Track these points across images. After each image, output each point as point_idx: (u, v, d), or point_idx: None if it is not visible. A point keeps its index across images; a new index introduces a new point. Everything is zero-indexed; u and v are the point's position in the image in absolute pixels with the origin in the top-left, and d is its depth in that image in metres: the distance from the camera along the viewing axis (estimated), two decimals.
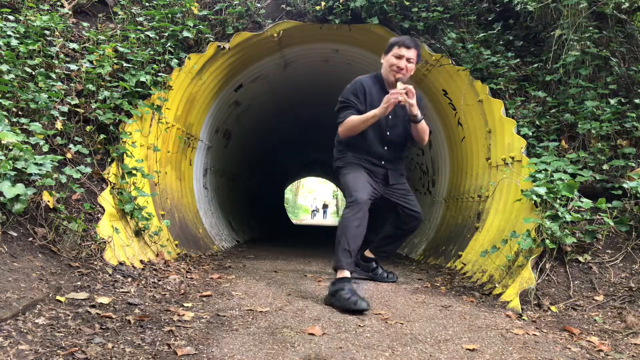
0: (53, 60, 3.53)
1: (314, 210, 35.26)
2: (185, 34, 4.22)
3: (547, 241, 2.72)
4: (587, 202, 2.83)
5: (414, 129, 3.09)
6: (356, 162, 3.14)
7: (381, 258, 3.64)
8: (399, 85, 2.89)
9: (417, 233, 6.03)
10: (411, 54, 2.98)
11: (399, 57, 2.98)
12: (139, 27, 4.11)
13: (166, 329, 2.00)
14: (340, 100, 3.10)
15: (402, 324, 2.30)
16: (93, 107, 3.39)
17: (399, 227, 3.38)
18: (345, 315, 2.42)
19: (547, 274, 2.72)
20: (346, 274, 2.72)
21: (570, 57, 3.61)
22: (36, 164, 2.50)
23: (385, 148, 3.17)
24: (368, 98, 3.05)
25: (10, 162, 2.39)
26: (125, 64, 3.73)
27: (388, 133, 3.14)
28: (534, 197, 2.87)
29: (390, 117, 3.08)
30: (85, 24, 4.24)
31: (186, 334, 1.96)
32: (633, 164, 3.11)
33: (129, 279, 2.74)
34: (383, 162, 3.18)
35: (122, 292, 2.49)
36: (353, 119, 2.99)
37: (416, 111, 2.95)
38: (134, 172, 3.40)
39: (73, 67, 3.54)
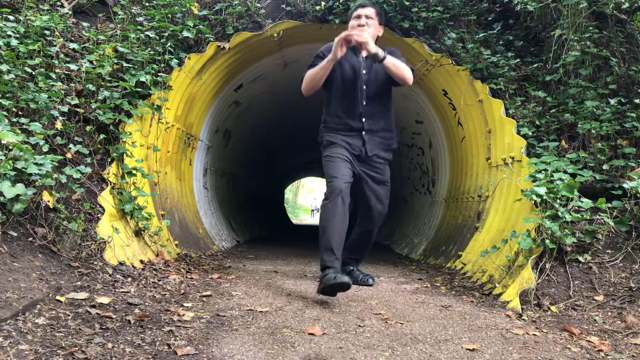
0: (53, 60, 3.53)
1: (313, 210, 35.25)
2: (185, 34, 4.22)
3: (547, 241, 2.72)
4: (587, 202, 2.83)
5: (387, 70, 2.94)
6: (334, 134, 3.08)
7: (355, 264, 3.44)
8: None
9: (417, 233, 6.04)
10: (368, 11, 3.08)
11: (358, 16, 3.07)
12: (139, 27, 4.11)
13: (166, 329, 2.00)
14: (307, 65, 3.13)
15: (402, 324, 2.30)
16: (93, 107, 3.39)
17: (357, 225, 3.27)
18: (345, 315, 2.42)
19: (547, 274, 2.72)
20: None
21: (570, 57, 3.61)
22: (36, 164, 2.50)
23: (363, 119, 3.07)
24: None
25: (10, 162, 2.39)
26: (125, 64, 3.73)
27: (365, 103, 3.07)
28: (534, 197, 2.87)
29: (365, 87, 3.07)
30: (85, 24, 4.23)
31: (186, 334, 1.96)
32: (633, 164, 3.11)
33: (129, 279, 2.74)
34: (362, 132, 3.08)
35: (122, 292, 2.49)
36: (310, 71, 3.03)
37: (374, 49, 2.83)
38: (134, 172, 3.40)
39: (73, 67, 3.53)
